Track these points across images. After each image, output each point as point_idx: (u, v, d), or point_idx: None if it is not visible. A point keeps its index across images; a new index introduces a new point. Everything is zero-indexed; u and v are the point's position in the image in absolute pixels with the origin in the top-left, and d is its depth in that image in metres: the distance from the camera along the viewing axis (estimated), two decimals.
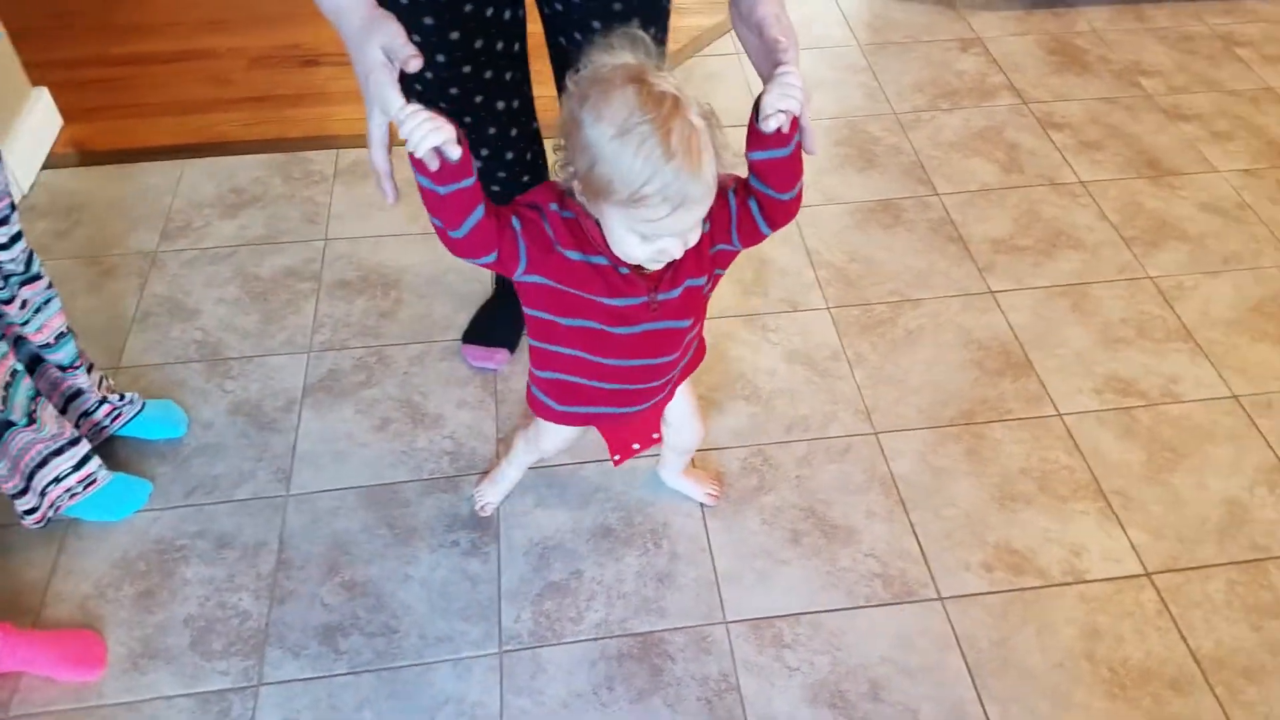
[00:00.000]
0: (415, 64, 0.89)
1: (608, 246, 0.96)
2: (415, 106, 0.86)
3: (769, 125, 0.90)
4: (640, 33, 0.91)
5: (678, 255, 0.94)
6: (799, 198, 0.99)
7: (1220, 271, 1.87)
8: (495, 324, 1.75)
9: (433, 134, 0.85)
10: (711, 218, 0.97)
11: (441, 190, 0.90)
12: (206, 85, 2.35)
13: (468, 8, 1.25)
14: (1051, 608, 1.39)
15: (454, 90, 1.33)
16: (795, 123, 0.91)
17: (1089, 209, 2.02)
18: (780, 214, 0.99)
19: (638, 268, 0.99)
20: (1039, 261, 1.90)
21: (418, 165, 0.88)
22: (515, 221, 0.97)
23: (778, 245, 1.93)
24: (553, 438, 1.31)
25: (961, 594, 1.41)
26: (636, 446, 1.30)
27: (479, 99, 1.37)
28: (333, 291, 1.84)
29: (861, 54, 2.44)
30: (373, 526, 1.49)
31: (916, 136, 2.19)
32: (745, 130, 0.93)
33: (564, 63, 1.33)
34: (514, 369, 1.70)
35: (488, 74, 1.34)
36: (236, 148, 2.17)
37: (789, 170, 0.95)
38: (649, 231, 0.90)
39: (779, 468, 1.57)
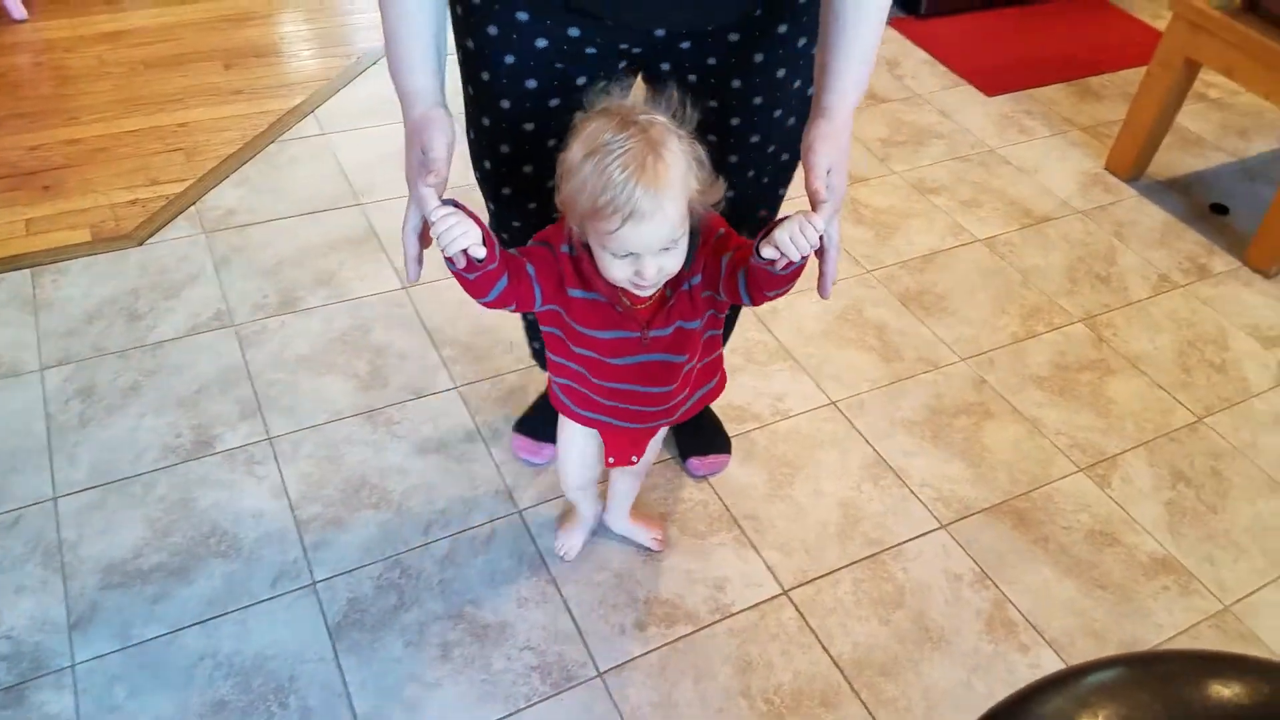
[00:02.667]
0: (430, 179, 0.94)
1: (604, 282, 1.03)
2: (447, 210, 0.92)
3: (764, 253, 0.93)
4: (678, 100, 0.97)
5: (652, 277, 0.97)
6: (786, 291, 1.02)
7: (806, 290, 2.02)
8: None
9: (461, 238, 0.92)
10: (704, 268, 1.04)
11: (470, 276, 0.98)
12: None
13: (579, 80, 1.14)
14: (706, 651, 1.41)
15: (528, 169, 1.23)
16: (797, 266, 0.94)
17: None
18: (759, 301, 1.03)
19: (631, 303, 1.06)
20: None
21: (448, 260, 0.95)
22: (530, 268, 1.04)
23: (391, 330, 1.84)
24: (569, 472, 1.38)
25: (621, 662, 1.38)
26: (635, 459, 1.32)
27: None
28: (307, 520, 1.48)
29: (458, 123, 2.40)
30: None
31: None
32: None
33: None
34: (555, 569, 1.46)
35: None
36: None
37: (775, 283, 0.98)
38: (614, 247, 0.95)
39: (419, 576, 1.46)
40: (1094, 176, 2.44)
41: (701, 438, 1.66)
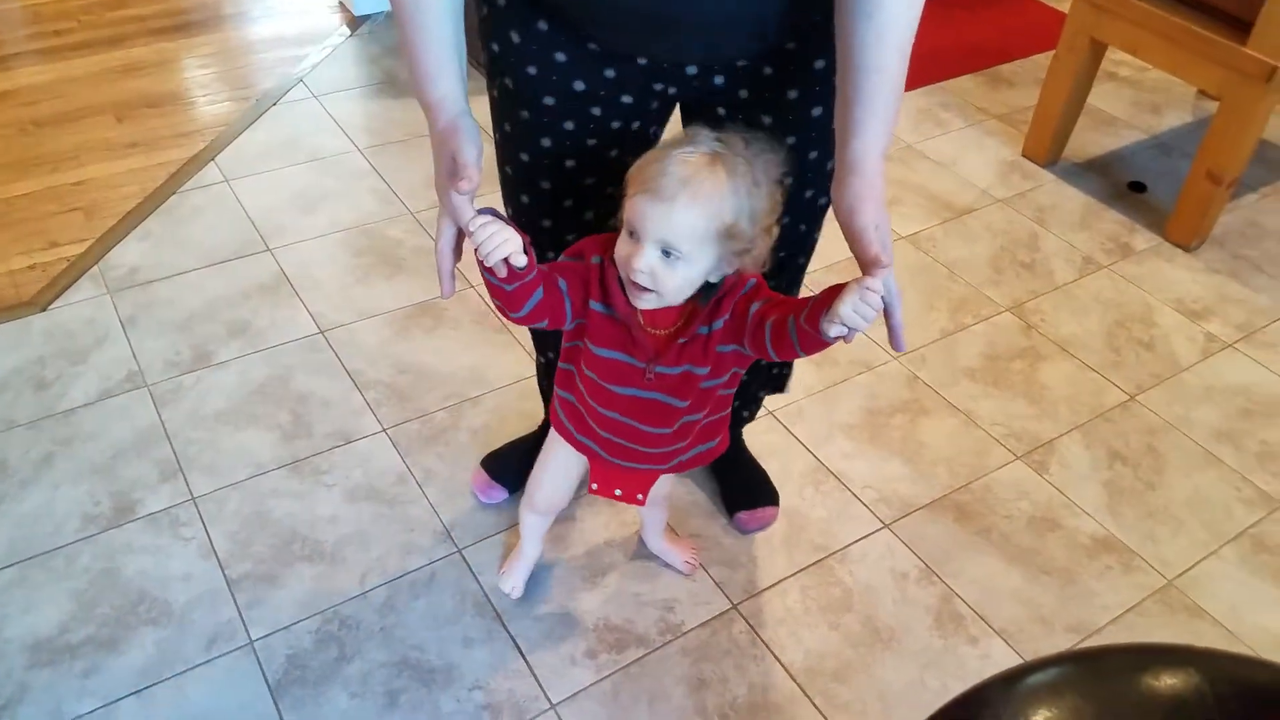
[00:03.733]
0: (463, 186, 0.91)
1: (624, 301, 1.02)
2: (486, 219, 0.90)
3: (829, 332, 0.89)
4: (760, 135, 0.99)
5: (639, 266, 0.96)
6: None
7: None
8: (513, 461, 1.59)
9: (503, 246, 0.90)
10: (731, 314, 1.02)
11: (508, 288, 0.96)
12: None
13: (614, 124, 1.15)
14: (659, 673, 1.38)
15: (568, 202, 1.23)
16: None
17: None
18: (787, 356, 1.01)
19: (645, 323, 1.05)
20: None
21: (487, 270, 0.94)
22: (561, 282, 1.03)
23: (312, 376, 1.79)
24: (542, 487, 1.34)
25: (573, 692, 1.35)
26: (619, 493, 1.27)
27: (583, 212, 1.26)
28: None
29: (364, 158, 2.37)
30: None
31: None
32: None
33: None
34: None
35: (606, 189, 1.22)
36: None
37: (818, 346, 0.96)
38: (628, 214, 0.96)
39: (359, 626, 1.42)
40: (1011, 164, 2.48)
41: (750, 493, 1.60)
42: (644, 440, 1.16)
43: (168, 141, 2.39)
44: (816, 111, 1.12)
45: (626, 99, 1.12)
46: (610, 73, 1.09)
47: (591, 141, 1.15)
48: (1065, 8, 2.41)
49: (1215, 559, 1.58)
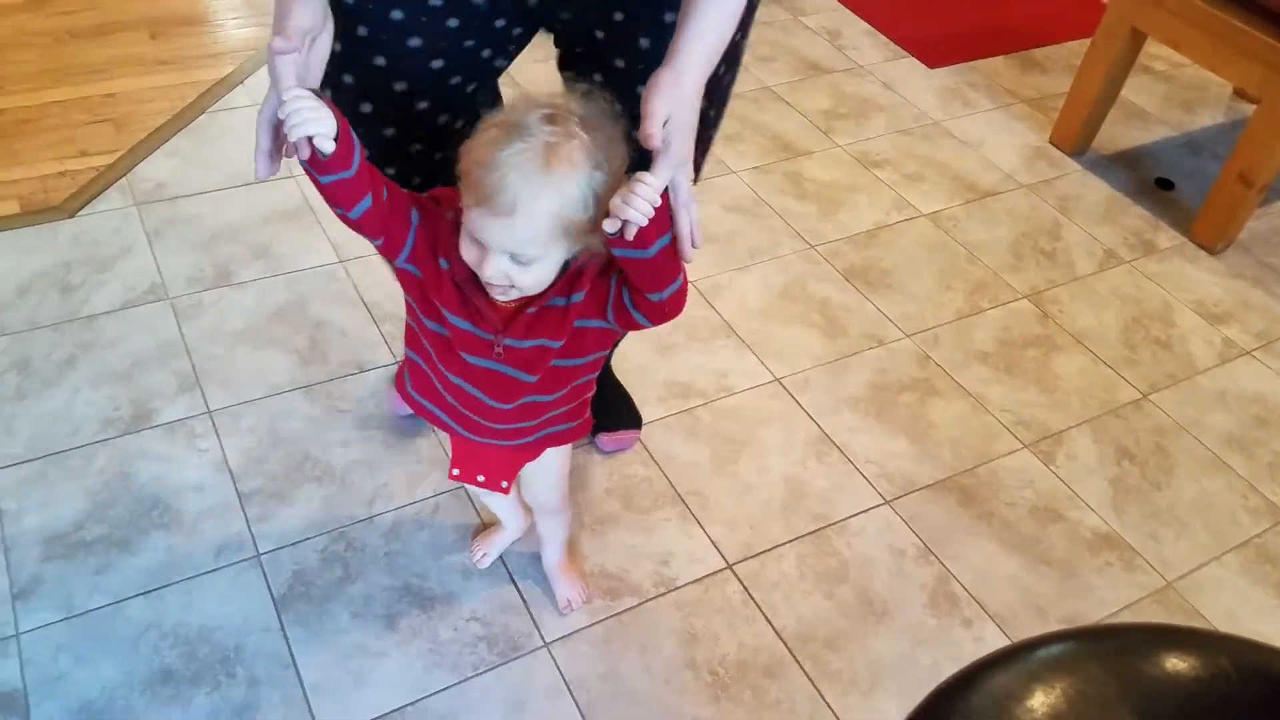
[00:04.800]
0: (278, 44, 0.85)
1: (466, 267, 0.96)
2: (300, 91, 0.84)
3: (607, 229, 0.86)
4: (602, 94, 0.92)
5: (489, 275, 0.92)
6: (676, 298, 0.95)
7: (748, 265, 2.03)
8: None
9: (309, 123, 0.83)
10: (589, 291, 0.97)
11: (321, 179, 0.88)
12: None
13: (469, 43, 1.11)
14: (651, 623, 1.41)
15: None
16: (657, 228, 0.86)
17: None
18: (651, 312, 0.96)
19: (491, 301, 0.98)
20: None
21: (293, 149, 0.86)
22: (414, 214, 0.97)
23: (330, 305, 1.81)
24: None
25: (567, 633, 1.38)
26: (481, 479, 1.23)
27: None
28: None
29: None
30: None
31: None
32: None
33: None
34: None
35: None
36: None
37: (650, 271, 0.91)
38: (467, 224, 0.91)
39: (365, 549, 1.45)
40: (1038, 150, 2.47)
41: (611, 415, 1.62)
42: (486, 413, 1.10)
43: (198, 61, 2.38)
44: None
45: (481, 3, 1.08)
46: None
47: (437, 64, 1.11)
48: None
49: (1217, 565, 1.60)
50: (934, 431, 1.74)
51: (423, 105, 1.17)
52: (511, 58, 1.22)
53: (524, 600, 1.42)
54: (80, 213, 1.93)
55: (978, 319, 1.98)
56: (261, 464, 1.54)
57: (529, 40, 1.21)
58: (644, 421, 1.67)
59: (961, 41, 2.84)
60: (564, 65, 1.21)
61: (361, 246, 1.93)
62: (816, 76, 2.63)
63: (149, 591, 1.36)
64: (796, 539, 1.55)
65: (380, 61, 1.11)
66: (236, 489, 1.50)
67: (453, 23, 1.10)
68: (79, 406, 1.58)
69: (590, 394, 1.17)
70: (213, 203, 1.99)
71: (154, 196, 1.99)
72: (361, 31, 1.09)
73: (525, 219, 0.88)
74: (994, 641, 1.45)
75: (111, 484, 1.48)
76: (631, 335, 1.82)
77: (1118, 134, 2.55)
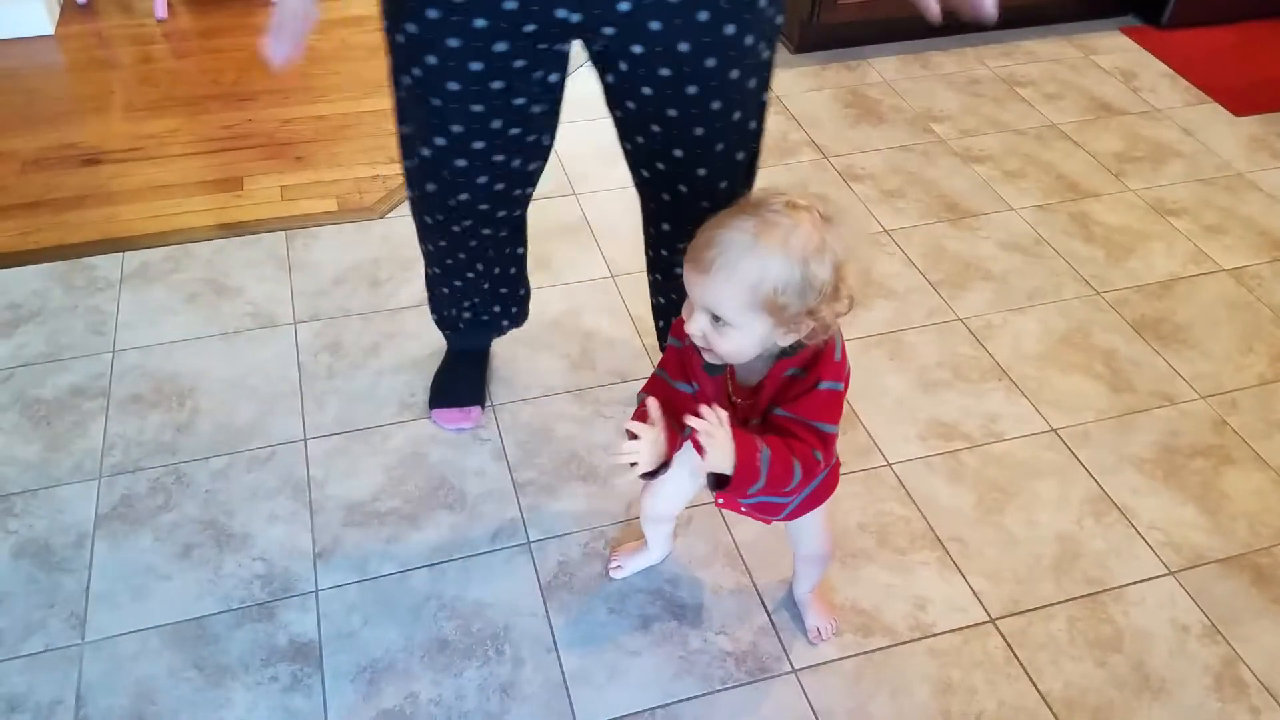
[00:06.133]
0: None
1: (709, 381, 1.07)
2: (632, 443, 1.04)
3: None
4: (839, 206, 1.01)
5: (690, 329, 0.99)
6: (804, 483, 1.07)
7: (1026, 307, 1.95)
8: (460, 382, 1.69)
9: (633, 467, 1.05)
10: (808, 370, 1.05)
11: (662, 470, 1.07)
12: None
13: (519, 64, 1.18)
14: (903, 667, 1.37)
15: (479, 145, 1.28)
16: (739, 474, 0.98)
17: (895, 256, 2.07)
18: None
19: (732, 398, 1.08)
20: (853, 313, 1.92)
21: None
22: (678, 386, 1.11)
23: (599, 316, 1.89)
24: (657, 506, 1.36)
25: (816, 663, 1.37)
26: (743, 509, 1.29)
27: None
28: (124, 408, 1.67)
29: None
30: (180, 669, 1.33)
31: None
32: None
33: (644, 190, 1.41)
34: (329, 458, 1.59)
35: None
36: (11, 259, 1.97)
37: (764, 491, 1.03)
38: (686, 286, 0.98)
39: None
40: None
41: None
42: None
43: None
44: (729, 30, 1.13)
45: (530, 27, 1.12)
46: (511, 4, 1.10)
47: (496, 84, 1.18)
48: None
49: None
50: (1228, 503, 1.59)
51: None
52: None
53: (773, 624, 1.42)
54: (388, 215, 2.13)
55: None
56: (534, 458, 1.63)
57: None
58: (901, 460, 1.63)
59: (1274, 90, 2.60)
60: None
61: (632, 263, 2.01)
62: (1108, 118, 2.49)
63: (432, 565, 1.47)
64: (1068, 600, 1.46)
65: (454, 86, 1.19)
66: (512, 478, 1.60)
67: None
68: (381, 389, 1.74)
69: (822, 477, 1.20)
70: None
71: None
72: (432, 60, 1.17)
73: (721, 281, 0.94)
74: None
75: (405, 462, 1.62)
76: (892, 369, 1.80)
77: None
